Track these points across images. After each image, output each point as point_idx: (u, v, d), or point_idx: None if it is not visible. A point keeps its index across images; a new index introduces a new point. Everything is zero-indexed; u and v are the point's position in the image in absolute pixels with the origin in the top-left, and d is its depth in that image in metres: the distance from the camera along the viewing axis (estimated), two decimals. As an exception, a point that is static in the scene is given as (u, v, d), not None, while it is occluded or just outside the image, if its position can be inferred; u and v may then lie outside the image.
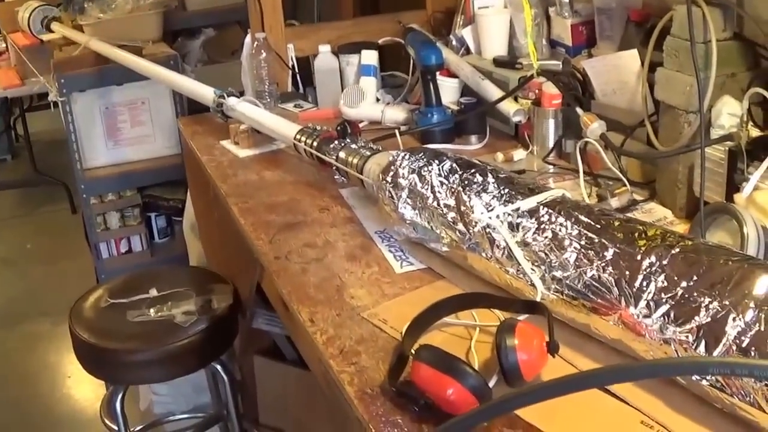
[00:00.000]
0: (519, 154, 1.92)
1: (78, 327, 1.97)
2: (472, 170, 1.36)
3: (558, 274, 1.15)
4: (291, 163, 2.01)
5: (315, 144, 1.82)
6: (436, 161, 1.41)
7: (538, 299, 1.18)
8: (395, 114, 2.20)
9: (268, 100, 2.39)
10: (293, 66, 2.54)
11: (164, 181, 3.23)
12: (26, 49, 3.81)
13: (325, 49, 2.42)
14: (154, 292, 2.06)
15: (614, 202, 1.59)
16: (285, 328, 1.91)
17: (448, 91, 2.20)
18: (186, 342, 1.91)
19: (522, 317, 1.15)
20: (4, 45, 4.76)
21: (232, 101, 2.14)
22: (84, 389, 3.16)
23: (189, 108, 2.99)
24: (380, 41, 2.49)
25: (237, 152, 2.11)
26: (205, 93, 2.26)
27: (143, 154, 3.13)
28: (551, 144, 1.89)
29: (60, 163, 4.87)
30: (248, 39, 2.48)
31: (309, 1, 3.62)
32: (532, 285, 1.19)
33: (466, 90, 2.20)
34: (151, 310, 2.00)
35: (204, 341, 1.94)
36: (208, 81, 2.41)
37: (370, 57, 2.33)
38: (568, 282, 1.14)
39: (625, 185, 1.62)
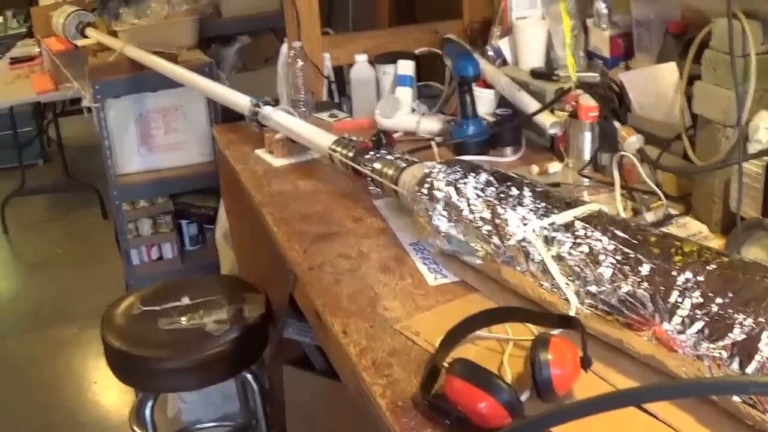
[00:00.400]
0: (554, 166, 1.94)
1: (109, 334, 2.02)
2: (508, 183, 1.39)
3: (593, 288, 1.18)
4: (325, 173, 2.05)
5: (350, 154, 1.85)
6: (472, 174, 1.44)
7: (572, 314, 1.20)
8: (431, 125, 2.23)
9: (303, 109, 2.43)
10: (329, 75, 2.58)
11: (196, 189, 3.29)
12: (60, 54, 3.89)
13: (361, 58, 2.45)
14: (186, 300, 2.11)
15: (649, 216, 1.61)
16: (316, 339, 1.95)
17: (484, 102, 2.23)
18: (217, 351, 1.96)
19: (555, 332, 1.18)
20: (38, 50, 4.85)
21: (267, 110, 2.18)
22: (110, 395, 3.22)
23: (223, 115, 3.05)
24: (417, 51, 2.52)
25: (272, 161, 2.16)
26: (241, 101, 2.31)
27: (176, 161, 3.19)
28: (587, 157, 1.91)
29: (91, 168, 4.96)
30: (284, 47, 2.53)
31: (343, 9, 3.67)
32: (566, 299, 1.22)
33: (502, 101, 2.23)
34: (183, 318, 2.05)
35: (235, 350, 1.99)
36: (242, 88, 2.45)
37: (407, 67, 2.37)
38: (602, 297, 1.16)
39: (660, 199, 1.64)
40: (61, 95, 4.01)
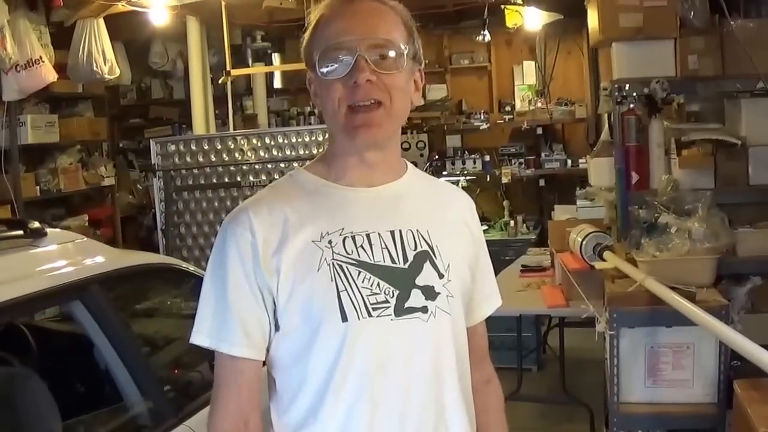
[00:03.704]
0: None
1: None
2: None
3: None
4: None
5: None
6: None
7: None
8: None
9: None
10: None
11: (695, 428, 3.39)
12: (575, 272, 4.29)
13: None
14: None
15: None
16: None
17: None
18: None
19: None
20: (549, 261, 5.41)
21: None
22: None
23: (732, 357, 3.16)
24: None
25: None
26: (762, 357, 2.43)
27: (679, 397, 3.34)
28: None
29: (583, 382, 5.26)
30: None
31: None
32: None
33: None
34: None
35: None
36: (753, 331, 2.57)
37: None
38: None
39: None
40: (572, 312, 4.34)
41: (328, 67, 1.62)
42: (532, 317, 5.76)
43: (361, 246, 1.64)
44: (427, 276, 1.67)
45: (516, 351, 5.28)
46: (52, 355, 3.21)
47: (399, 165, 1.77)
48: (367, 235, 1.65)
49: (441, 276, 1.69)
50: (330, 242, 1.62)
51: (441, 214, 1.77)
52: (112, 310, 2.72)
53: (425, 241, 1.69)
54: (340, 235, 1.63)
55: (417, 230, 1.69)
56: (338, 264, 1.61)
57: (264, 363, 1.69)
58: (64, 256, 2.79)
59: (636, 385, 3.38)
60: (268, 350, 1.67)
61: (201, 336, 1.64)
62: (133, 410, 2.68)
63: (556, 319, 5.64)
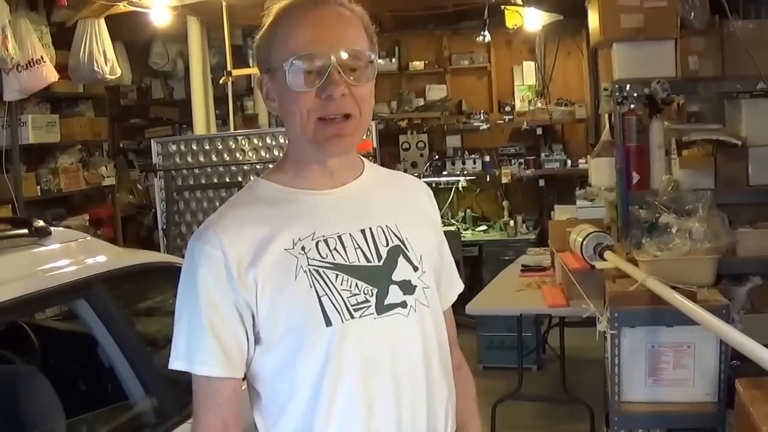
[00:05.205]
0: None
1: None
2: None
3: None
4: None
5: None
6: None
7: None
8: None
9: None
10: None
11: (696, 428, 3.41)
12: (576, 271, 4.31)
13: None
14: None
15: None
16: None
17: None
18: None
19: None
20: (549, 261, 5.42)
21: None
22: None
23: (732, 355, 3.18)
24: None
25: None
26: (764, 356, 2.44)
27: (680, 396, 3.35)
28: None
29: (583, 381, 5.28)
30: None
31: None
32: None
33: None
34: None
35: None
36: (753, 331, 2.57)
37: None
38: None
39: None
40: (573, 312, 4.33)
41: (298, 78, 1.59)
42: (532, 317, 5.78)
43: (335, 248, 1.63)
44: (402, 271, 1.68)
45: (516, 350, 5.29)
46: (56, 353, 3.22)
47: (357, 163, 1.78)
48: (339, 237, 1.65)
49: (416, 269, 1.70)
50: (303, 248, 1.61)
51: (405, 205, 1.78)
52: (117, 309, 2.72)
53: (395, 235, 1.70)
54: (312, 239, 1.63)
55: (386, 225, 1.70)
56: (315, 269, 1.61)
57: (244, 378, 1.68)
58: (69, 255, 2.79)
59: (637, 384, 3.39)
60: (248, 365, 1.65)
61: (178, 361, 1.63)
62: (137, 408, 2.69)
63: (556, 318, 5.65)
